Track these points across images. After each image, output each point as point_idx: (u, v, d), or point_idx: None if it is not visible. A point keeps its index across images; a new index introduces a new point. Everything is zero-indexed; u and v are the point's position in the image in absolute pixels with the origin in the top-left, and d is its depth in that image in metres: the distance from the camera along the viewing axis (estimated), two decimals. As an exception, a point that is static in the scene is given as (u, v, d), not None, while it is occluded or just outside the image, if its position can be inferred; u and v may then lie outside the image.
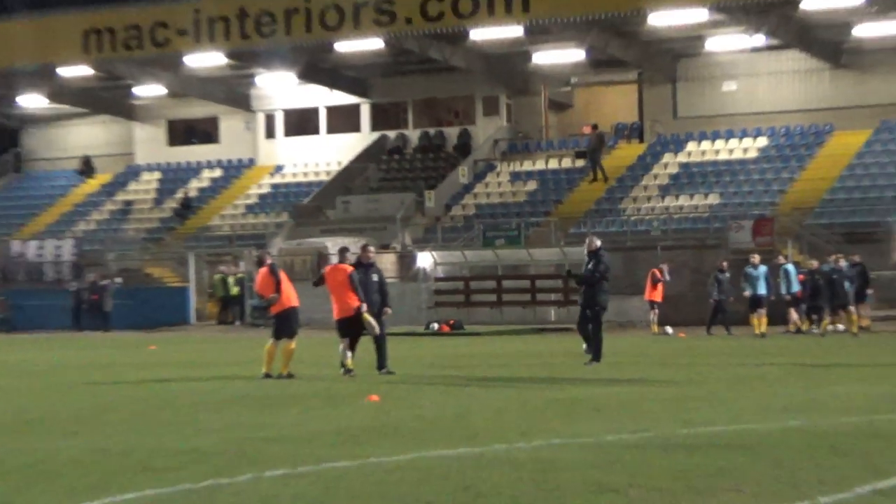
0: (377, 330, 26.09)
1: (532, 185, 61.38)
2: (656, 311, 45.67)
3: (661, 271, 46.44)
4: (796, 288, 43.39)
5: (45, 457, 13.95)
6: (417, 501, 10.39)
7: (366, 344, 26.84)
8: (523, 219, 57.44)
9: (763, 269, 43.80)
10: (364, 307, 25.91)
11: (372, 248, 30.31)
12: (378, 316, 26.60)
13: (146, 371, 29.40)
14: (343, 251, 28.38)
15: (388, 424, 16.45)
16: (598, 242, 29.76)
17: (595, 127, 62.75)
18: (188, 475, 12.01)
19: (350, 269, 27.28)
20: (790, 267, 43.92)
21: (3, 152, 76.67)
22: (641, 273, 48.07)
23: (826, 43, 57.98)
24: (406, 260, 56.40)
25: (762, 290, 43.29)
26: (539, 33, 58.29)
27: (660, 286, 45.91)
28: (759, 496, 9.99)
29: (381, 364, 26.21)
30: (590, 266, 28.95)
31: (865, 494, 10.18)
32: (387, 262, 56.07)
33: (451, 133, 66.27)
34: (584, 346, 28.44)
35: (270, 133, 70.27)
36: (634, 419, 16.68)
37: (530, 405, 19.43)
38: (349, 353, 25.89)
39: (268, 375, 25.22)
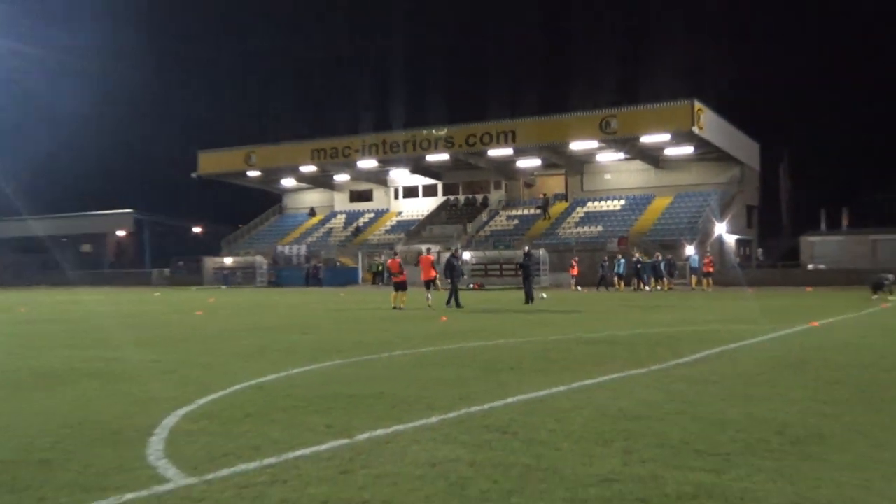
0: (441, 287, 27.71)
1: (516, 221, 60.94)
2: (573, 279, 45.48)
3: (575, 261, 46.30)
4: (645, 268, 43.48)
5: (289, 345, 14.06)
6: (466, 363, 10.39)
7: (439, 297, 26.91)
8: (512, 236, 57.15)
9: (623, 260, 43.71)
10: (439, 276, 26.74)
11: (460, 250, 31.33)
12: (455, 282, 27.23)
13: (339, 304, 29.29)
14: (428, 249, 29.64)
15: (451, 331, 16.67)
16: (527, 248, 32.35)
17: (545, 195, 62.37)
18: (358, 354, 12.16)
19: (432, 257, 29.11)
20: (637, 258, 43.85)
21: (273, 205, 76.48)
22: (566, 262, 47.86)
23: (651, 156, 57.43)
24: (458, 255, 56.16)
25: (622, 270, 43.20)
26: (520, 152, 57.82)
27: (575, 268, 45.75)
28: (624, 366, 10.01)
29: (450, 302, 26.14)
30: (524, 259, 29.51)
31: (672, 365, 10.13)
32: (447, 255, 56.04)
33: (479, 197, 65.78)
34: (525, 299, 28.11)
35: (396, 196, 69.84)
36: (562, 329, 16.94)
37: (516, 322, 19.41)
38: (429, 296, 25.99)
39: (394, 308, 25.09)
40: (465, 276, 31.74)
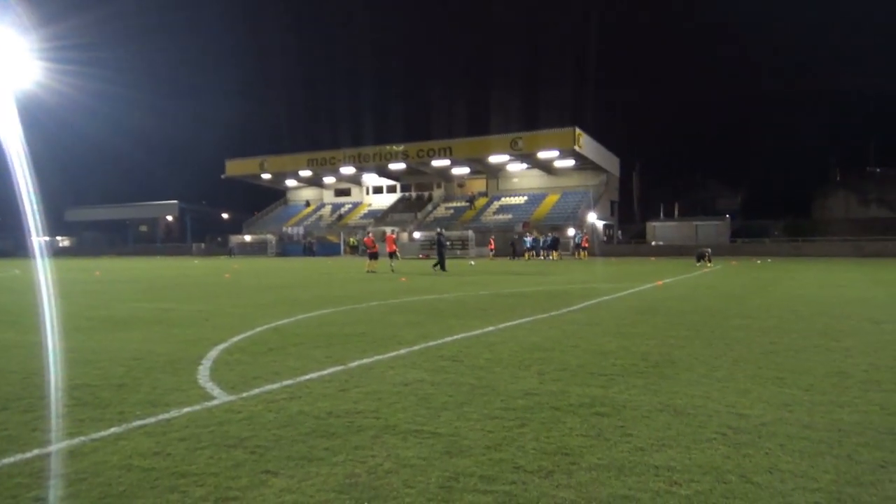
0: (400, 258, 26.33)
1: (452, 211, 60.44)
2: (491, 252, 45.58)
3: (493, 239, 46.39)
4: (537, 244, 43.51)
5: (294, 298, 13.86)
6: (422, 311, 10.28)
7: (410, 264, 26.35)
8: (447, 221, 56.94)
9: (529, 238, 43.86)
10: (398, 250, 26.27)
11: (444, 231, 29.90)
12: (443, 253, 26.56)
13: (328, 269, 28.61)
14: (392, 230, 28.38)
15: (410, 288, 16.33)
16: (439, 230, 28.84)
17: (472, 193, 62.13)
18: (344, 304, 11.93)
19: (394, 236, 27.67)
20: (534, 237, 44.03)
21: (278, 199, 74.56)
22: (487, 240, 47.88)
23: (546, 166, 57.48)
24: (443, 234, 55.67)
25: (528, 245, 43.32)
26: (455, 163, 57.33)
27: (492, 244, 45.83)
28: (532, 312, 10.03)
29: (436, 267, 25.64)
30: (438, 238, 27.56)
31: (565, 311, 10.17)
32: (405, 236, 55.53)
33: (426, 194, 65.06)
34: (440, 266, 26.14)
35: (367, 193, 68.43)
36: (486, 287, 16.70)
37: (455, 283, 19.14)
38: (392, 264, 25.76)
39: (368, 272, 24.61)
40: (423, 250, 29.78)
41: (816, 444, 3.84)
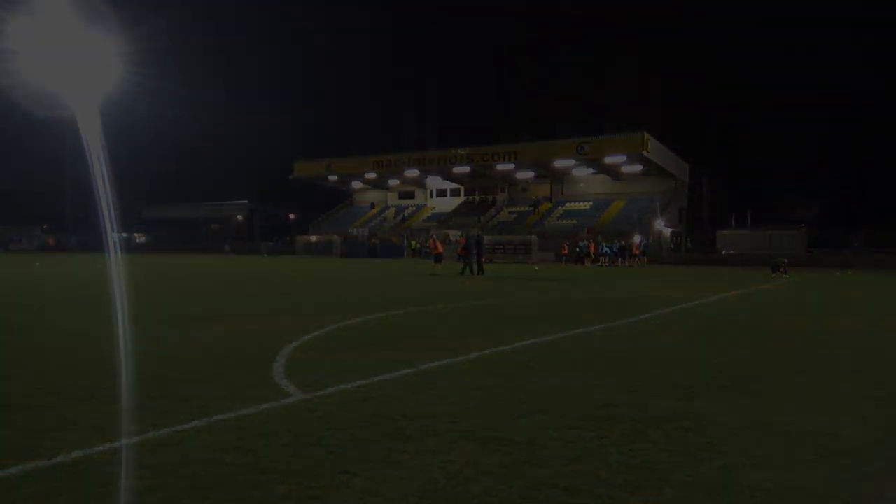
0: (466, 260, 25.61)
1: (514, 216, 60.30)
2: (564, 258, 45.00)
3: (565, 245, 45.77)
4: (604, 250, 42.71)
5: (361, 298, 13.86)
6: (490, 314, 10.21)
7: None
8: (510, 226, 56.61)
9: (583, 243, 43.13)
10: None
11: (482, 234, 29.27)
12: (475, 257, 25.40)
13: (392, 271, 28.96)
14: (462, 234, 27.89)
15: (474, 292, 16.16)
16: (476, 232, 27.38)
17: (536, 197, 61.64)
18: (411, 305, 11.94)
19: (463, 240, 26.96)
20: (602, 243, 43.25)
21: (345, 200, 75.72)
22: (550, 245, 47.37)
23: (612, 172, 56.50)
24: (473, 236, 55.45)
25: (603, 250, 42.52)
26: (519, 167, 57.09)
27: (565, 248, 45.27)
28: (603, 320, 9.85)
29: (463, 272, 25.15)
30: (468, 242, 25.84)
31: (637, 320, 9.93)
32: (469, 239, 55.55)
33: (489, 198, 64.97)
34: (462, 270, 25.16)
35: (431, 196, 68.84)
36: (554, 292, 16.34)
37: (519, 287, 18.91)
38: (460, 268, 25.63)
39: (432, 274, 24.70)
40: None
41: (926, 472, 3.56)
